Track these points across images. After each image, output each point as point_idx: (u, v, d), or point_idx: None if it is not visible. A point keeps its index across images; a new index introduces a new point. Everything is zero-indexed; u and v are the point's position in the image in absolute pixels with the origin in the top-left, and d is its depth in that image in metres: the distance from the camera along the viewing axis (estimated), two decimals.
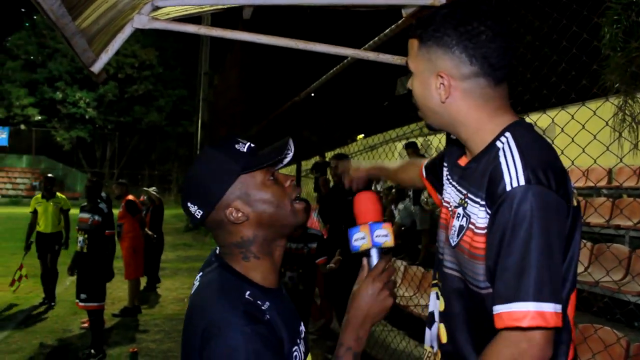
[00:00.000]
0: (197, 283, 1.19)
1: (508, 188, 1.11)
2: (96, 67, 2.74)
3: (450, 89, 1.22)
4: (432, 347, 1.46)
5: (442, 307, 1.39)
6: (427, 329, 1.49)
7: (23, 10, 34.06)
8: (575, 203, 1.19)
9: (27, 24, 34.03)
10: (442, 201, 1.42)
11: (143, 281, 7.95)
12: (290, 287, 4.35)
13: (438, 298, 1.42)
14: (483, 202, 1.19)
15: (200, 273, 1.21)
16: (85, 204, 5.71)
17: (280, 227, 1.18)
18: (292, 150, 1.18)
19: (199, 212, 1.14)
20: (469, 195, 1.25)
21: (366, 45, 3.41)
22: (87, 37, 2.49)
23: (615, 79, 4.73)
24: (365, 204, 1.27)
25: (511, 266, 1.09)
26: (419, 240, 7.89)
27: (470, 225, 1.23)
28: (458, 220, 1.28)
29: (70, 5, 2.06)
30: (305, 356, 1.20)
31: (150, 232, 7.90)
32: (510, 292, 1.09)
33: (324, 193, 7.40)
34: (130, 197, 7.25)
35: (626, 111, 4.94)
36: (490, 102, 1.23)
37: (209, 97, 19.80)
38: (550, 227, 1.09)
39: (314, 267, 4.59)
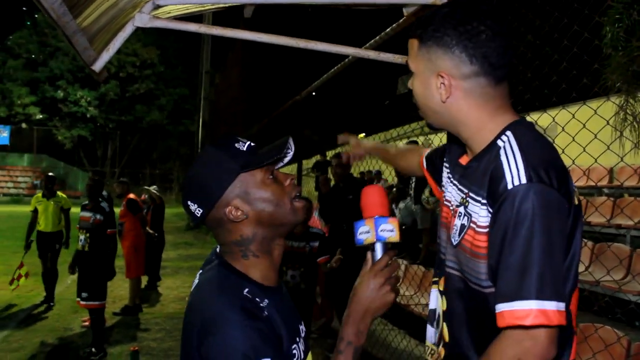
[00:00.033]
0: (196, 281, 1.20)
1: (509, 186, 1.11)
2: (97, 66, 2.74)
3: (450, 88, 1.22)
4: (434, 344, 1.46)
5: (444, 307, 1.39)
6: (428, 326, 1.49)
7: (24, 8, 34.15)
8: (576, 202, 1.18)
9: (28, 23, 34.08)
10: (443, 200, 1.42)
11: (144, 280, 7.96)
12: (292, 286, 4.34)
13: (440, 296, 1.42)
14: (484, 201, 1.19)
15: (200, 271, 1.22)
16: (87, 202, 5.72)
17: (279, 226, 1.18)
18: (293, 149, 1.18)
19: (199, 210, 1.14)
20: (470, 194, 1.25)
21: (367, 44, 3.41)
22: (88, 36, 2.49)
23: (617, 78, 4.73)
24: (372, 197, 1.26)
25: (513, 264, 1.09)
26: (419, 239, 7.89)
27: (472, 224, 1.23)
28: (459, 219, 1.28)
29: (71, 4, 2.06)
30: (305, 355, 1.20)
31: (151, 231, 7.91)
32: (512, 290, 1.09)
33: (324, 192, 7.39)
34: (132, 195, 7.25)
35: (627, 110, 4.94)
36: (491, 102, 1.23)
37: (210, 96, 19.83)
38: (551, 225, 1.09)
39: (315, 266, 4.58)
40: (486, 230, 1.18)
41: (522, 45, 3.04)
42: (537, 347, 1.07)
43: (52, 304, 7.32)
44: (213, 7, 3.50)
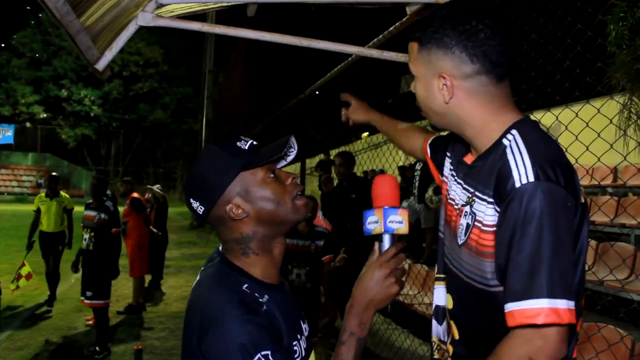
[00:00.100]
0: (198, 278, 1.21)
1: (517, 185, 1.11)
2: (100, 65, 2.75)
3: (453, 89, 1.22)
4: (441, 340, 1.45)
5: (450, 305, 1.39)
6: (434, 321, 1.49)
7: (28, 8, 34.25)
8: (582, 200, 1.18)
9: (32, 22, 34.16)
10: (447, 198, 1.42)
11: (147, 279, 7.97)
12: (297, 285, 4.34)
13: (446, 294, 1.42)
14: (491, 200, 1.19)
15: (202, 268, 1.23)
16: (91, 201, 5.72)
17: (280, 224, 1.18)
18: (296, 148, 1.18)
19: (201, 208, 1.16)
20: (477, 193, 1.24)
21: (370, 43, 3.41)
22: (92, 35, 2.49)
23: (621, 77, 4.72)
24: (383, 187, 1.24)
25: (522, 263, 1.08)
26: (423, 238, 7.88)
27: (477, 223, 1.22)
28: (465, 218, 1.28)
29: (75, 3, 2.06)
30: (308, 354, 1.20)
31: (155, 230, 7.92)
32: (522, 289, 1.08)
33: (326, 191, 7.39)
34: (135, 194, 7.25)
35: (631, 109, 4.92)
36: (494, 100, 1.23)
37: (213, 95, 19.84)
38: (559, 223, 1.08)
39: (320, 265, 4.58)
40: (493, 229, 1.18)
41: (525, 44, 3.03)
42: (548, 345, 1.07)
43: (51, 307, 7.21)
44: (216, 5, 3.50)
